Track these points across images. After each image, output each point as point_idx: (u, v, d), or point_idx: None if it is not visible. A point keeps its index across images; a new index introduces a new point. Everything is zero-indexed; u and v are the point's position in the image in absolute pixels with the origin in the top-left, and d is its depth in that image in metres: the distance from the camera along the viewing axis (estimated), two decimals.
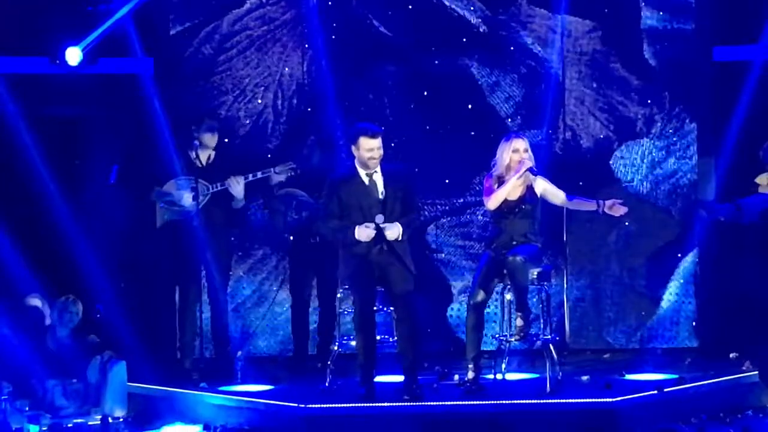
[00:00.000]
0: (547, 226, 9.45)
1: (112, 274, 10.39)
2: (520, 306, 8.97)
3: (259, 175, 10.03)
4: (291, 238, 10.39)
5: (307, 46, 11.03)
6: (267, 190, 10.35)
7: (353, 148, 8.86)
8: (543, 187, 9.13)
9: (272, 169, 10.06)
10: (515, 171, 9.00)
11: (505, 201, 9.06)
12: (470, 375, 9.07)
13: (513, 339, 9.16)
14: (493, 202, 9.07)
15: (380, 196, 8.86)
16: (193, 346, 10.17)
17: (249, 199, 10.24)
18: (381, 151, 8.83)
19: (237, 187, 9.95)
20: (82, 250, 10.31)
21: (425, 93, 11.07)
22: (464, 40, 11.07)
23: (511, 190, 9.02)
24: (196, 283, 10.15)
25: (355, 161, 8.89)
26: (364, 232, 8.73)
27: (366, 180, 8.85)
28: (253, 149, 10.96)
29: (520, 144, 9.09)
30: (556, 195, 9.15)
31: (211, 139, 10.09)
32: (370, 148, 8.78)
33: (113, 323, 10.07)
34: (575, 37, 11.10)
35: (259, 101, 11.09)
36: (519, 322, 9.02)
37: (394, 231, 8.78)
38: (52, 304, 9.87)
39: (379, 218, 8.75)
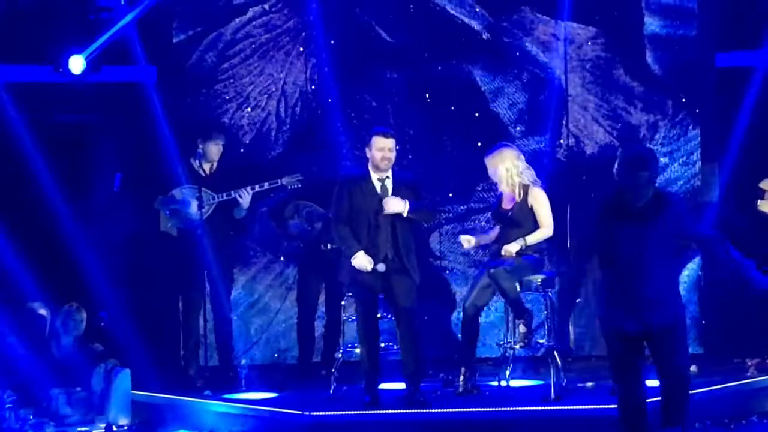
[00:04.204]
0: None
1: (116, 282, 10.38)
2: (515, 315, 8.99)
3: (266, 186, 10.03)
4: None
5: (309, 53, 11.03)
6: (275, 200, 10.36)
7: (367, 149, 8.88)
8: (534, 200, 9.06)
9: (279, 181, 10.06)
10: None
11: (498, 209, 9.13)
12: (462, 380, 9.12)
13: (517, 346, 9.17)
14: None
15: None
16: (197, 354, 10.18)
17: (256, 207, 10.24)
18: (393, 154, 8.82)
19: (246, 197, 9.94)
20: (86, 258, 10.31)
21: (428, 100, 11.07)
22: (467, 46, 11.07)
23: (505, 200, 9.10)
24: (200, 291, 10.15)
25: (369, 164, 8.89)
26: (362, 261, 8.70)
27: (377, 185, 8.84)
28: (257, 157, 10.96)
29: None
30: (538, 213, 9.10)
31: (216, 153, 10.06)
32: (381, 147, 8.78)
33: (117, 331, 10.07)
34: (578, 43, 11.10)
35: (261, 109, 11.09)
36: (522, 328, 9.04)
37: (395, 204, 8.74)
38: (56, 312, 9.88)
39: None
